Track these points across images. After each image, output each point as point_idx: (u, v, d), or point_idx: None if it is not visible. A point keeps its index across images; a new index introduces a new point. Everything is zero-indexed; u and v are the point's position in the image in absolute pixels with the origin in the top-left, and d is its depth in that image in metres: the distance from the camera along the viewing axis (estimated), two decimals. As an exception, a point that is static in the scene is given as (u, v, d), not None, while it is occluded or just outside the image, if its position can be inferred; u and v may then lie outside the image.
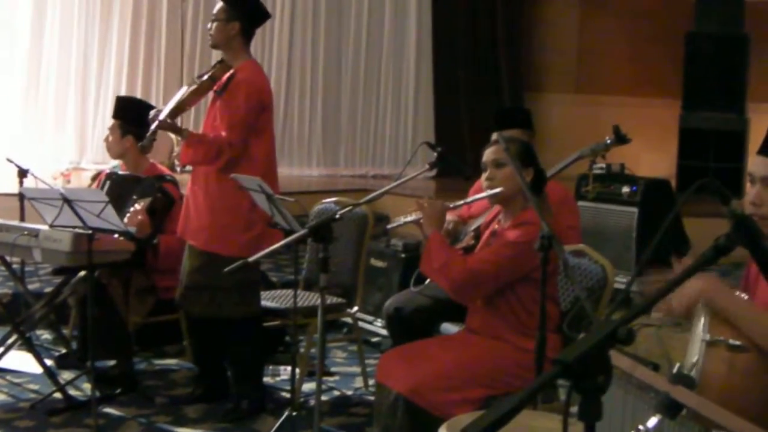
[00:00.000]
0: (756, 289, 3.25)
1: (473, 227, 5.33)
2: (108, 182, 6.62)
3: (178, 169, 8.97)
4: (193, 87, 5.78)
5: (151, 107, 6.86)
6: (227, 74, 5.74)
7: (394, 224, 4.99)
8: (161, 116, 5.62)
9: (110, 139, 6.63)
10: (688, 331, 3.07)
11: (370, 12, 13.02)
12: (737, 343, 2.85)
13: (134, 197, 6.36)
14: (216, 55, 5.97)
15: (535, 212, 4.23)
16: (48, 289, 6.90)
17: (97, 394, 5.79)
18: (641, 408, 2.81)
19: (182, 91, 5.81)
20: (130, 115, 6.59)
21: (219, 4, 5.77)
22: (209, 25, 5.79)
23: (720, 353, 2.85)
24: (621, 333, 2.01)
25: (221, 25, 5.72)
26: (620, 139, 6.20)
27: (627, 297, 7.37)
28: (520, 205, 4.63)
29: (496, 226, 4.78)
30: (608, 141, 6.30)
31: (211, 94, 5.88)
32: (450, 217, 5.83)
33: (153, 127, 5.63)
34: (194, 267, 5.76)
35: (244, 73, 5.76)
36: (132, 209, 6.23)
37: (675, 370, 2.67)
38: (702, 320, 2.93)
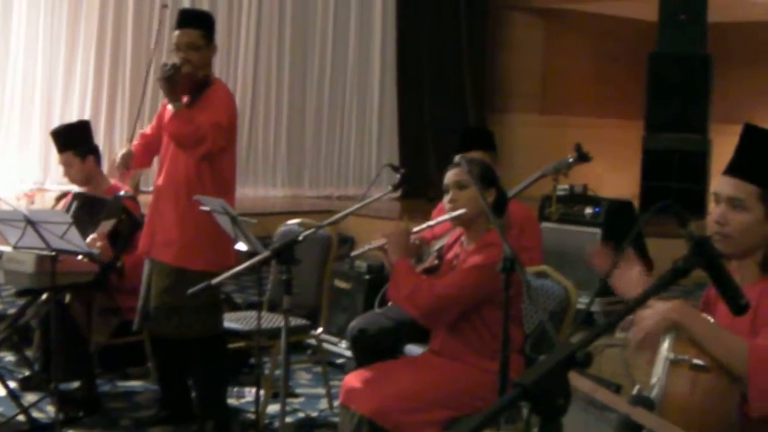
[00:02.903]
0: (715, 310, 3.28)
1: (436, 247, 5.35)
2: (75, 203, 6.55)
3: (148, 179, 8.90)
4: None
5: (83, 123, 6.81)
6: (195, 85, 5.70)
7: (359, 251, 4.98)
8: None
9: (70, 171, 6.59)
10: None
11: (335, 33, 13.10)
12: (700, 362, 2.87)
13: (99, 219, 6.33)
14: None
15: (497, 234, 4.25)
16: (11, 311, 6.88)
17: (61, 416, 5.76)
18: (602, 429, 2.82)
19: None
20: (75, 139, 6.56)
21: (187, 31, 5.62)
22: (184, 55, 5.60)
23: (683, 372, 2.87)
24: (579, 356, 2.02)
25: (204, 53, 5.69)
26: (582, 157, 6.24)
27: (588, 318, 7.41)
28: (483, 226, 4.64)
29: (458, 250, 4.80)
30: (570, 159, 6.34)
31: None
32: (413, 237, 5.86)
33: (167, 72, 5.43)
34: (163, 288, 5.71)
35: (223, 89, 5.81)
36: (90, 237, 6.18)
37: (635, 391, 2.69)
38: (667, 340, 2.95)
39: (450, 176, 4.69)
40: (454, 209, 4.63)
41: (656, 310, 3.03)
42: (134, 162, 5.94)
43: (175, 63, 5.52)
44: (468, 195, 4.59)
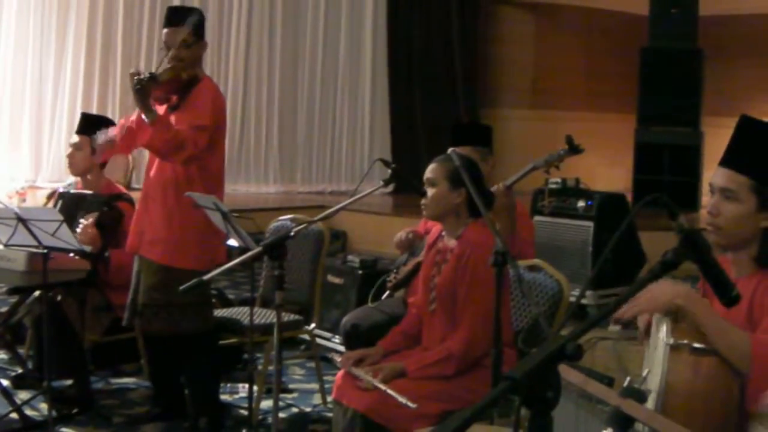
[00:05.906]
0: (712, 300, 3.27)
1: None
2: (60, 201, 6.53)
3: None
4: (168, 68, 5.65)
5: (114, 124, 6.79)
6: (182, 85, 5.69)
7: None
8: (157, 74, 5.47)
9: (77, 155, 6.51)
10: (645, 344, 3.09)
11: (326, 30, 13.11)
12: (700, 346, 2.87)
13: (82, 213, 6.31)
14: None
15: (476, 229, 4.41)
16: (3, 309, 6.86)
17: (54, 414, 5.75)
18: (593, 421, 2.82)
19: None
20: (100, 130, 6.53)
21: (177, 29, 5.59)
22: (174, 53, 5.58)
23: (684, 357, 2.86)
24: (569, 349, 2.02)
25: (194, 50, 5.68)
26: (573, 149, 6.21)
27: (580, 310, 7.40)
28: (462, 221, 4.65)
29: (441, 245, 4.79)
30: (561, 151, 6.33)
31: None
32: (408, 228, 5.88)
33: (145, 79, 5.37)
34: (151, 285, 5.70)
35: (210, 87, 5.76)
36: (81, 225, 6.17)
37: (626, 383, 2.69)
38: (664, 326, 2.94)
39: (426, 173, 4.72)
40: (425, 206, 4.68)
41: (664, 289, 3.03)
42: (118, 148, 5.92)
43: (152, 73, 5.48)
44: (434, 193, 4.63)
